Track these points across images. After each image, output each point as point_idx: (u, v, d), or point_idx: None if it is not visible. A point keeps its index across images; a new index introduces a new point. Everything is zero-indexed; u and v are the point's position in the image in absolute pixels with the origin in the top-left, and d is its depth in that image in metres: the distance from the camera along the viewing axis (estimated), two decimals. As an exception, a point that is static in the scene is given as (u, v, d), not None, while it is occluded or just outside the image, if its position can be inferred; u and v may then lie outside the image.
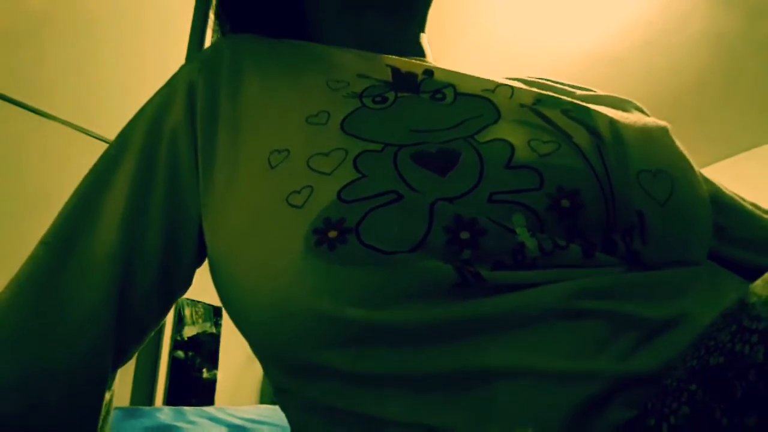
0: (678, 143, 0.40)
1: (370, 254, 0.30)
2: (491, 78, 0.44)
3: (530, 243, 0.31)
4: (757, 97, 2.86)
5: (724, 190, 0.48)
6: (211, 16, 0.62)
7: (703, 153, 3.25)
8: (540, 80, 0.53)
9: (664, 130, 0.40)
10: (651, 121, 0.41)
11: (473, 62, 2.60)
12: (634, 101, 0.49)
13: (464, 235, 0.31)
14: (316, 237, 0.31)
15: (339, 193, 0.32)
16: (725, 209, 0.46)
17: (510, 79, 0.53)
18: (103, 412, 0.40)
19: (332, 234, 0.31)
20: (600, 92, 0.52)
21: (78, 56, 1.43)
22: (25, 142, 1.29)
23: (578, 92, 0.49)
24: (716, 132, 3.16)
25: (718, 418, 0.21)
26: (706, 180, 0.47)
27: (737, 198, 0.48)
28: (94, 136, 1.38)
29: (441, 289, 0.30)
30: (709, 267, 0.38)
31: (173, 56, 1.67)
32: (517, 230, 0.31)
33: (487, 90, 0.42)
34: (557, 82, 0.53)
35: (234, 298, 0.36)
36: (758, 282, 0.24)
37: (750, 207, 0.47)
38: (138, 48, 1.57)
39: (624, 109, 0.44)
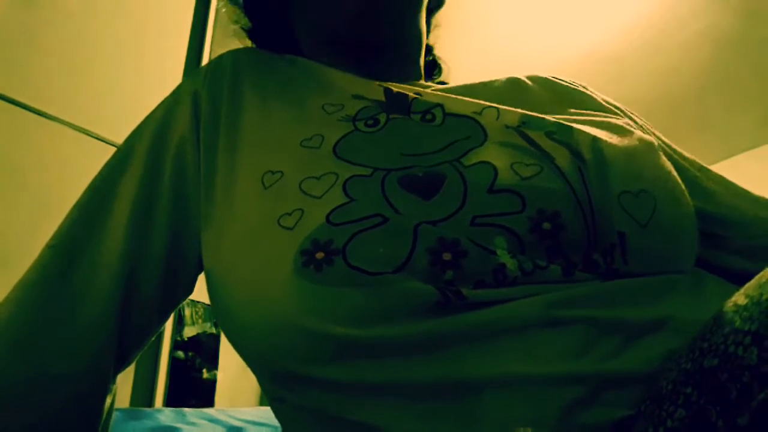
0: (664, 160, 0.40)
1: (356, 275, 0.31)
2: (479, 101, 0.44)
3: (510, 264, 0.32)
4: (757, 98, 2.86)
5: (723, 197, 0.47)
6: (211, 17, 0.63)
7: (703, 153, 3.23)
8: (550, 80, 0.53)
9: (649, 147, 0.41)
10: (636, 138, 0.41)
11: (473, 62, 2.60)
12: (628, 111, 0.49)
13: (446, 256, 0.32)
14: (304, 258, 0.32)
15: (328, 216, 0.34)
16: (724, 220, 0.46)
17: (520, 77, 0.52)
18: (104, 416, 0.40)
19: (319, 255, 0.32)
20: (595, 95, 0.51)
21: (79, 57, 1.43)
22: (25, 142, 1.29)
23: (574, 109, 0.48)
24: (716, 132, 3.16)
25: (713, 420, 0.21)
26: (705, 190, 0.47)
27: (740, 203, 0.47)
28: (94, 137, 1.38)
29: (423, 308, 0.31)
30: (694, 273, 0.38)
31: (173, 57, 1.67)
32: (498, 252, 0.32)
33: (474, 112, 0.42)
34: (564, 82, 0.53)
35: (226, 312, 0.37)
36: (751, 283, 0.24)
37: (752, 214, 0.47)
38: (138, 49, 1.57)
39: (613, 126, 0.43)
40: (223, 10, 0.62)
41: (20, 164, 1.27)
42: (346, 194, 0.35)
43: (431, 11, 0.61)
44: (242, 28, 0.59)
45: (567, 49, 2.60)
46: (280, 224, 0.35)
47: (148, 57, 1.59)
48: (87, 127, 1.39)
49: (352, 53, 0.50)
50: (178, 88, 0.49)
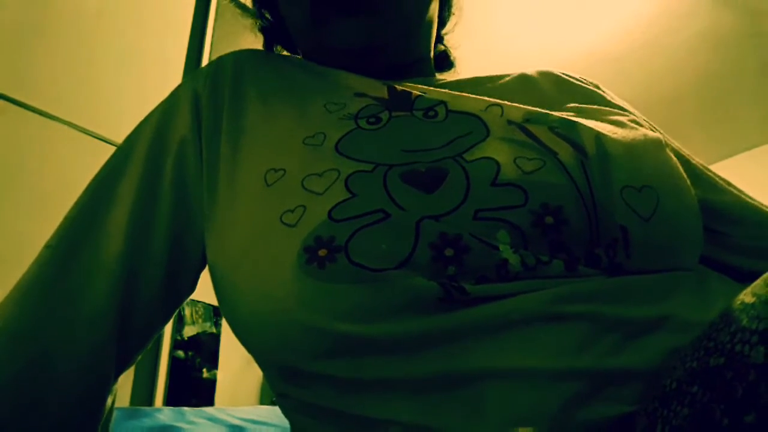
0: (669, 156, 0.40)
1: (358, 272, 0.31)
2: (484, 97, 0.44)
3: (513, 259, 0.32)
4: (757, 97, 2.86)
5: (730, 196, 0.47)
6: (211, 17, 0.63)
7: (703, 153, 3.24)
8: (559, 76, 0.53)
9: (655, 143, 0.41)
10: (641, 134, 0.41)
11: (473, 62, 2.60)
12: (635, 112, 0.49)
13: (449, 252, 0.32)
14: (307, 255, 0.32)
15: (330, 212, 0.34)
16: (731, 217, 0.46)
17: (529, 72, 0.53)
18: (104, 416, 0.40)
19: (322, 252, 0.32)
20: (606, 94, 0.51)
21: (79, 57, 1.43)
22: (26, 142, 1.29)
23: (579, 104, 0.48)
24: (716, 132, 3.16)
25: (718, 419, 0.21)
26: (714, 188, 0.47)
27: (747, 204, 0.47)
28: (96, 137, 1.38)
29: (426, 304, 0.31)
30: (699, 272, 0.38)
31: (174, 57, 1.67)
32: (501, 247, 0.32)
33: (479, 110, 0.42)
34: (573, 79, 0.53)
35: (231, 307, 0.37)
36: (758, 282, 0.24)
37: (760, 216, 0.46)
38: (139, 49, 1.57)
39: (619, 122, 0.43)
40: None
41: (20, 164, 1.27)
42: (348, 190, 0.35)
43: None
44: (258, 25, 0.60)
45: (567, 49, 2.60)
46: (282, 221, 0.35)
47: (149, 57, 1.59)
48: (87, 127, 1.39)
49: (352, 60, 0.50)
50: (178, 89, 0.50)
